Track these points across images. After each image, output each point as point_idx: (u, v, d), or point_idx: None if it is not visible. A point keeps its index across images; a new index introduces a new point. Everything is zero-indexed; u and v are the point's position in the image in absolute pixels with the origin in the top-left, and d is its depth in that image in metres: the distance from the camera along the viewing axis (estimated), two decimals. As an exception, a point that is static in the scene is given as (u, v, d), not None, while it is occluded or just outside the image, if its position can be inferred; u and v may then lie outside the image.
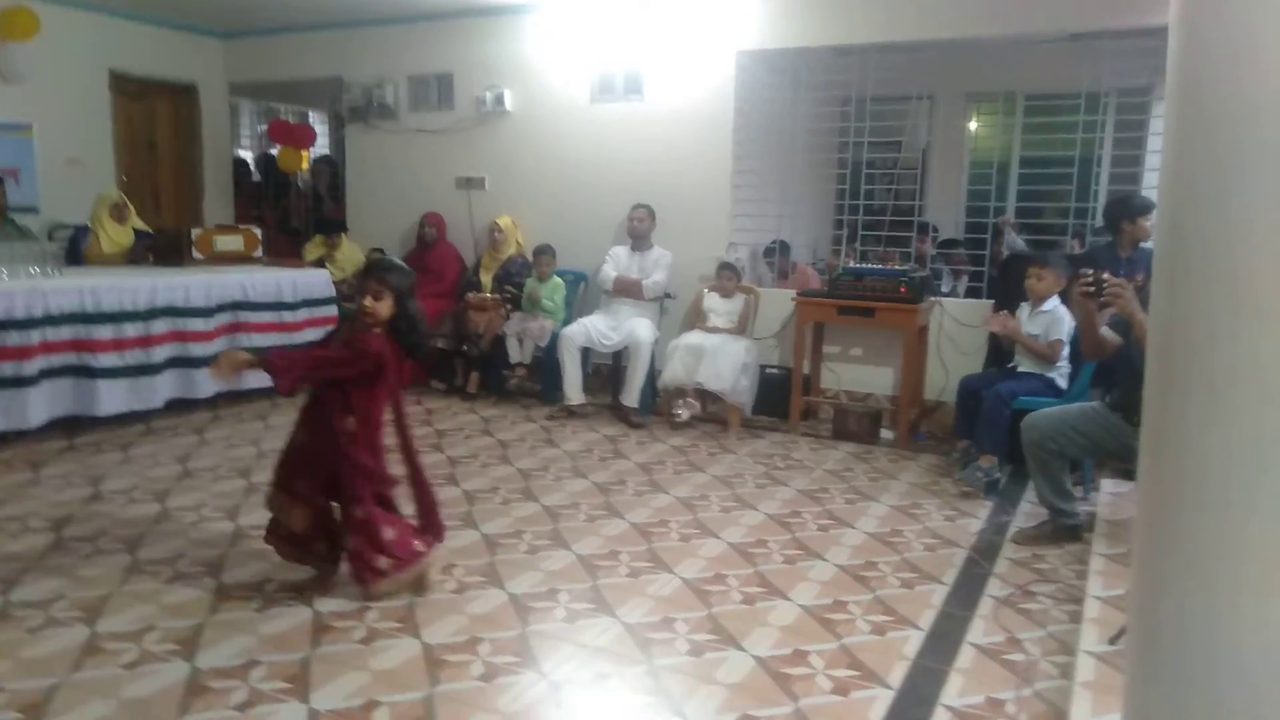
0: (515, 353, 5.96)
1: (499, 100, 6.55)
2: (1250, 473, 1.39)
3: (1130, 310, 3.09)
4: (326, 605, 2.88)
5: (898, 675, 2.56)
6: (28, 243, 5.22)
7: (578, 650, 2.65)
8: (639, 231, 5.87)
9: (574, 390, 5.62)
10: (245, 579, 3.08)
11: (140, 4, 6.78)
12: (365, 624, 2.77)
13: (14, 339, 4.40)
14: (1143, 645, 1.57)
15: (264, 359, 2.78)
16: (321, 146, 8.76)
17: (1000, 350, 4.84)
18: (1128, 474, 4.10)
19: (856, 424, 5.32)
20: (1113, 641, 2.46)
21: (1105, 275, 3.15)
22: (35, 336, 4.48)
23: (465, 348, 6.12)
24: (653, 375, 5.63)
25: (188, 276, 5.30)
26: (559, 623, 2.83)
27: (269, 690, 2.38)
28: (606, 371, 6.12)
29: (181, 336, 5.15)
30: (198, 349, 5.22)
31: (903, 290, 5.14)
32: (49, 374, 4.57)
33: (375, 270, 2.92)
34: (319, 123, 9.13)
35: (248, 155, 9.10)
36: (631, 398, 5.52)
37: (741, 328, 5.61)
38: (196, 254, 5.85)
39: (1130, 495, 3.77)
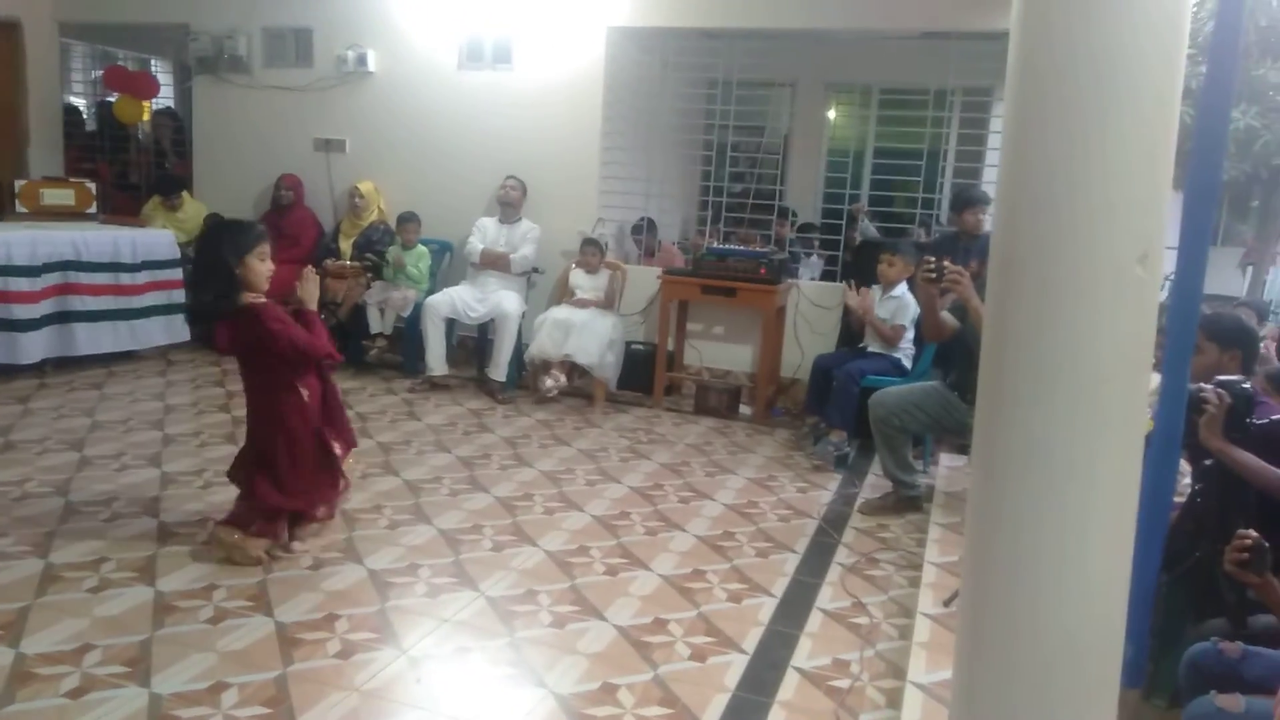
0: (376, 323, 5.79)
1: (361, 60, 6.29)
2: (1069, 448, 1.53)
3: (967, 295, 3.32)
4: (170, 584, 2.74)
5: (752, 640, 2.67)
6: None
7: (439, 625, 2.64)
8: (510, 199, 5.79)
9: (437, 362, 5.52)
10: (78, 559, 2.89)
11: (-48, -73, 6.12)
12: (213, 603, 2.65)
13: None
14: (973, 608, 1.71)
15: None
16: (165, 98, 8.16)
17: (851, 331, 5.08)
18: (963, 449, 4.40)
19: (717, 400, 5.47)
20: (947, 604, 2.66)
21: (945, 262, 3.36)
22: None
23: (323, 316, 5.88)
24: (519, 349, 5.60)
25: (10, 232, 4.87)
26: (420, 598, 2.80)
27: (103, 675, 2.26)
28: (472, 344, 6.04)
29: (2, 297, 4.73)
30: (21, 311, 4.81)
31: (763, 271, 5.31)
32: None
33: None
34: (163, 72, 8.50)
35: (80, 103, 8.39)
36: (499, 371, 5.47)
37: (608, 303, 5.65)
38: (20, 207, 5.38)
39: (965, 469, 4.06)
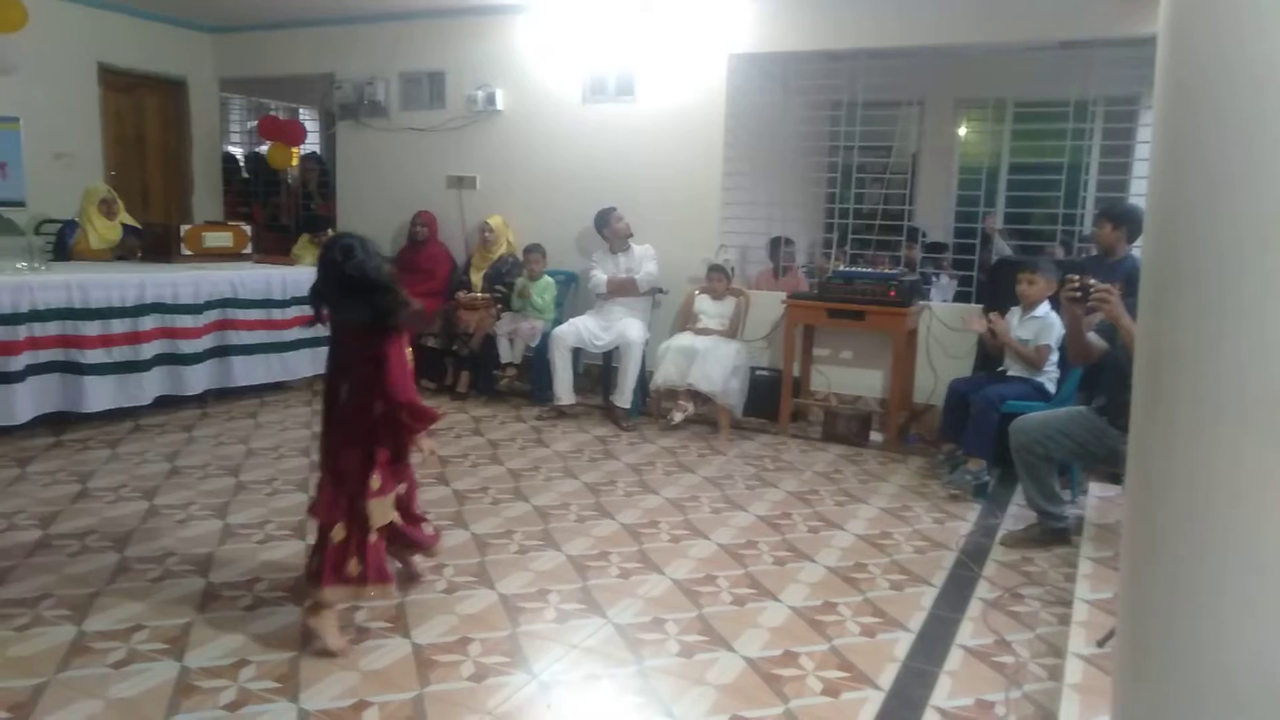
0: (506, 352, 5.95)
1: (490, 99, 6.54)
2: (1236, 477, 1.41)
3: (1117, 315, 3.12)
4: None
5: (888, 677, 2.57)
6: (14, 237, 5.19)
7: (568, 651, 2.65)
8: (624, 232, 5.85)
9: (564, 390, 5.62)
10: (234, 578, 3.07)
11: (130, -2, 6.75)
12: (355, 623, 2.76)
13: (1, 334, 4.37)
14: (1131, 648, 1.59)
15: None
16: (312, 143, 8.72)
17: (988, 354, 4.87)
18: (1115, 478, 4.13)
19: (846, 426, 5.34)
20: (1101, 644, 2.49)
21: (1091, 281, 3.18)
22: (22, 332, 4.45)
23: (455, 347, 6.11)
24: (643, 376, 5.64)
25: (176, 273, 5.27)
26: (549, 623, 2.83)
27: (258, 690, 2.37)
28: (597, 372, 6.13)
29: (170, 333, 5.12)
30: (186, 346, 5.19)
31: (892, 294, 5.17)
32: (36, 370, 4.54)
33: None
34: (309, 119, 9.09)
35: (237, 151, 9.06)
36: (623, 398, 5.53)
37: (732, 330, 5.63)
38: (185, 250, 5.82)
39: (1118, 499, 3.81)
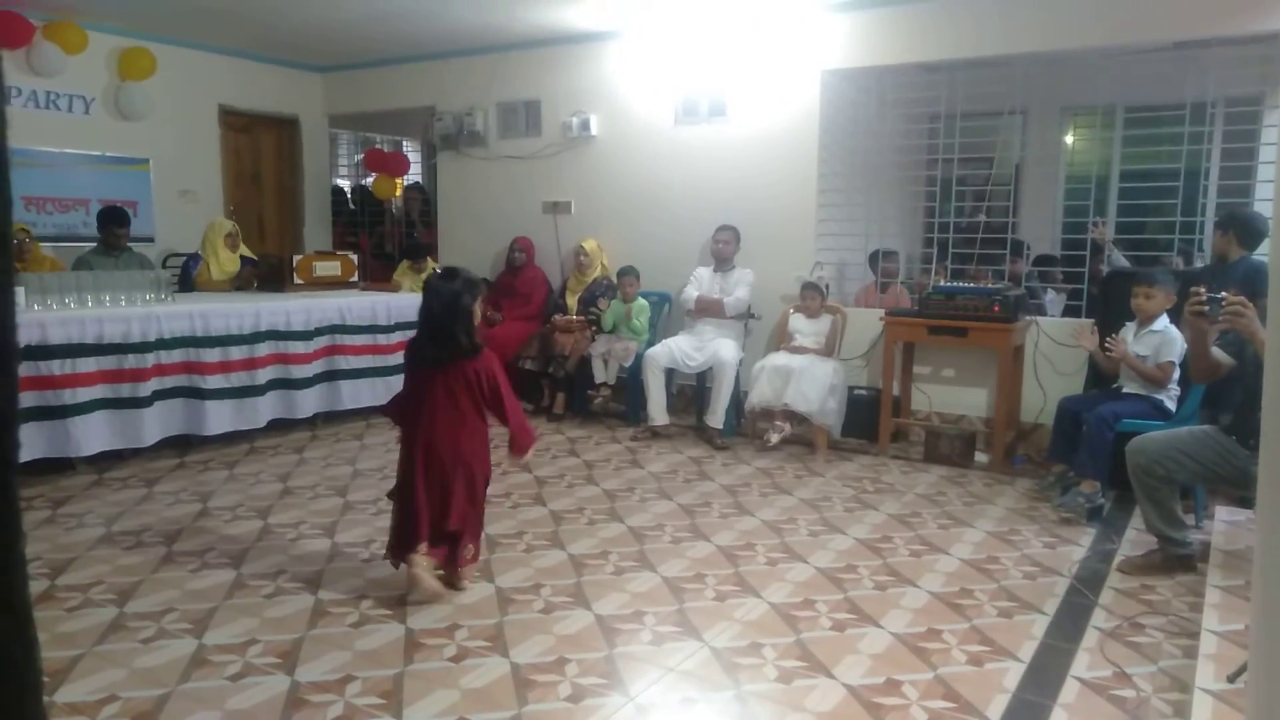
0: (600, 373, 6.01)
1: (585, 125, 6.65)
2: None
3: (1253, 330, 2.92)
4: (419, 622, 2.94)
5: (997, 709, 2.46)
6: (145, 271, 5.53)
7: (664, 674, 2.64)
8: (723, 254, 5.88)
9: (658, 411, 5.63)
10: (341, 595, 3.17)
11: (247, 42, 7.15)
12: (456, 642, 2.81)
13: (131, 361, 4.65)
14: (1266, 684, 1.48)
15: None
16: (414, 174, 9.04)
17: (1100, 371, 4.65)
18: (1244, 501, 3.87)
19: (949, 447, 5.17)
20: (1232, 679, 2.32)
21: (1223, 294, 2.99)
22: (150, 359, 4.73)
23: (551, 369, 6.20)
24: (737, 396, 5.60)
25: (289, 301, 5.52)
26: (645, 645, 2.82)
27: (364, 705, 2.44)
28: (691, 392, 6.12)
29: (283, 359, 5.37)
30: (298, 371, 5.43)
31: (996, 309, 4.99)
32: (162, 395, 4.82)
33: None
34: (412, 151, 9.43)
35: (345, 184, 9.46)
36: (716, 419, 5.50)
37: (828, 348, 5.54)
38: (297, 279, 6.10)
39: (1248, 523, 3.57)
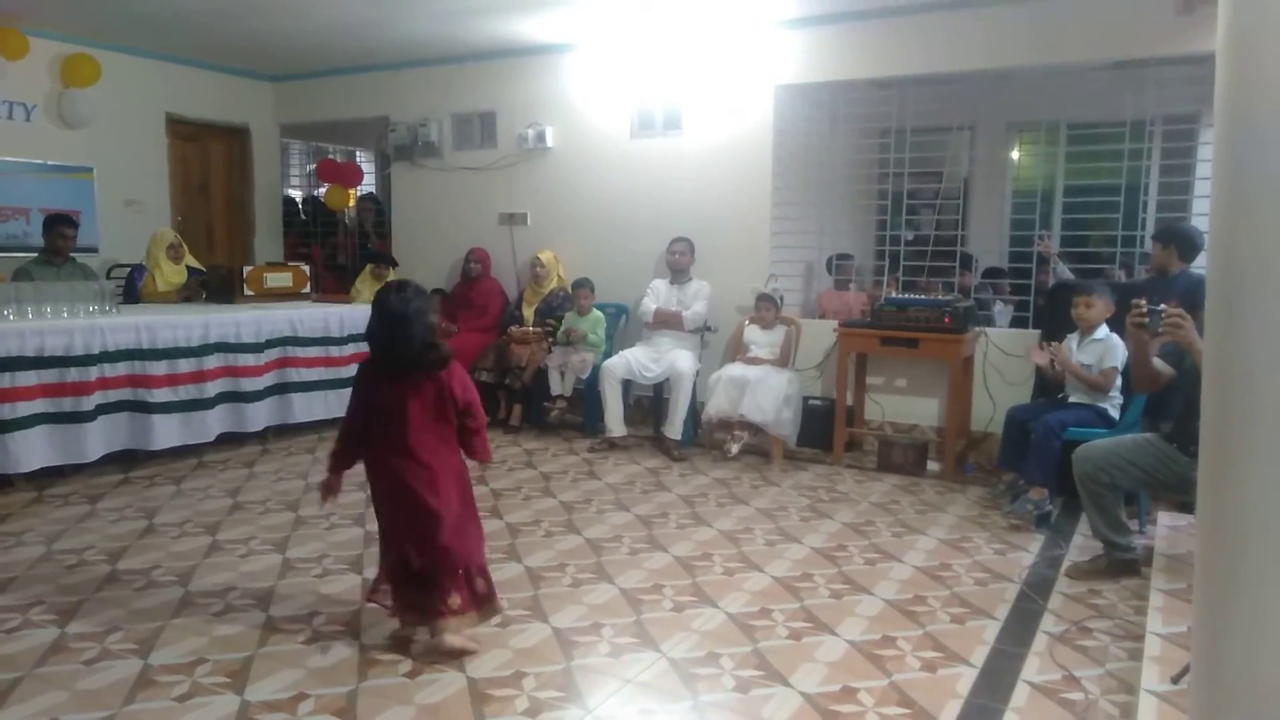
0: (557, 385, 5.99)
1: (540, 137, 6.65)
2: (1317, 505, 1.35)
3: (1191, 340, 3.01)
4: (372, 638, 2.90)
5: (950, 713, 2.49)
6: (88, 282, 5.39)
7: (622, 685, 2.63)
8: (679, 265, 5.91)
9: (615, 422, 5.63)
10: (293, 612, 3.11)
11: (195, 50, 7.02)
12: (410, 658, 2.77)
13: (74, 375, 4.53)
14: (1208, 685, 1.52)
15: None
16: (368, 185, 8.94)
17: (1047, 381, 4.76)
18: (1185, 506, 3.99)
19: (902, 456, 5.25)
20: (1175, 680, 2.39)
21: (1162, 305, 3.09)
22: (94, 373, 4.61)
23: (508, 380, 6.17)
24: (694, 407, 5.62)
25: (239, 313, 5.42)
26: (603, 657, 2.81)
27: (316, 723, 2.39)
28: (648, 403, 6.13)
29: (233, 371, 5.26)
30: (248, 384, 5.33)
31: (947, 320, 5.09)
32: (106, 409, 4.69)
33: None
34: (365, 162, 9.33)
35: (296, 194, 9.32)
36: (674, 429, 5.51)
37: (783, 359, 5.59)
38: (247, 291, 5.99)
39: (1189, 528, 3.68)
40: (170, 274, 6.12)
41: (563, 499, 4.56)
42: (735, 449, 5.35)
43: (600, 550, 3.79)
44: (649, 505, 4.48)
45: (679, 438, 5.52)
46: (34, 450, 4.39)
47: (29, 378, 4.36)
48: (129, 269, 6.33)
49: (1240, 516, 1.43)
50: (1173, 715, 2.26)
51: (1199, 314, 2.85)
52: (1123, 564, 3.52)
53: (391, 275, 6.95)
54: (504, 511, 4.32)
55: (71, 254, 5.88)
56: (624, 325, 6.41)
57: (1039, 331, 5.20)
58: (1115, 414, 4.32)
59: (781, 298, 5.79)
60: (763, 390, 5.29)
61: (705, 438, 5.64)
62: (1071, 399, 4.43)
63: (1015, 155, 7.55)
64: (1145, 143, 5.33)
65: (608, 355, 5.92)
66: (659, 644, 2.90)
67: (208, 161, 7.84)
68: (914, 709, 2.51)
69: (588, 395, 5.91)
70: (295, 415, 5.63)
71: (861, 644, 2.92)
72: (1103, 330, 4.36)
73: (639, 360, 5.71)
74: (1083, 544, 3.93)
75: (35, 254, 5.84)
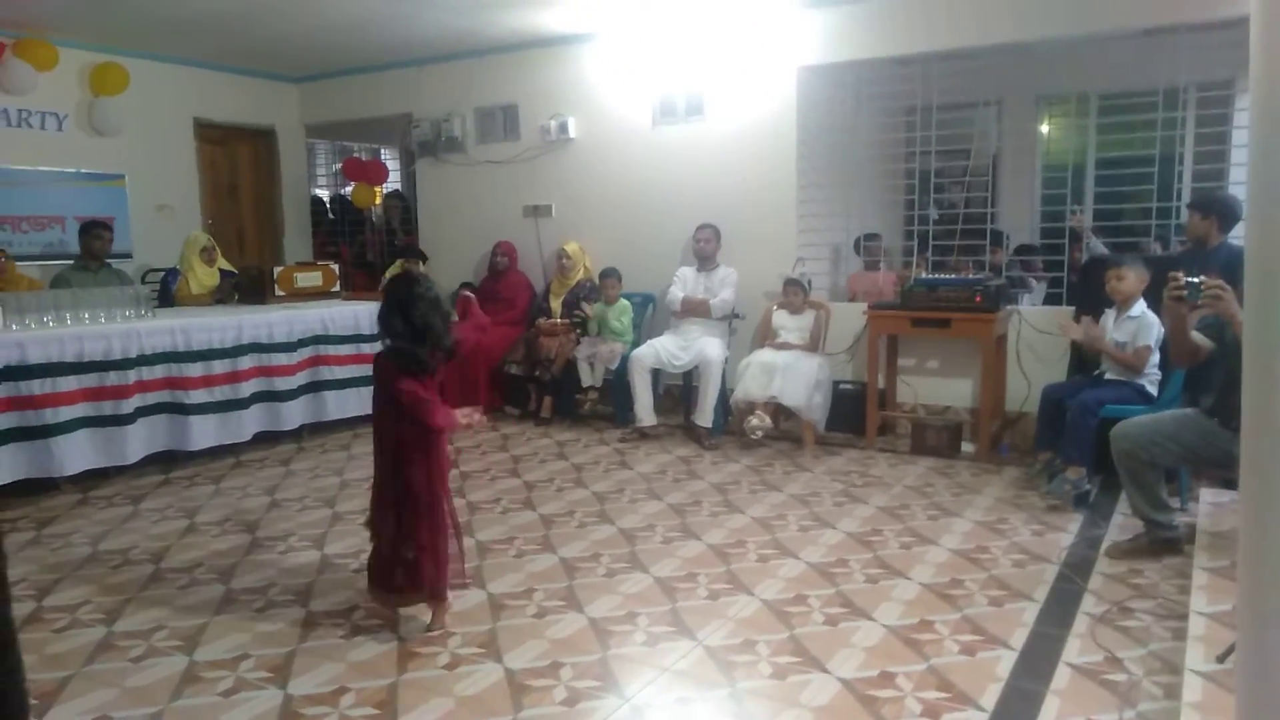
0: (587, 376, 6.00)
1: (563, 128, 6.65)
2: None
3: (1232, 312, 2.94)
4: (412, 631, 2.93)
5: (990, 697, 2.47)
6: (124, 287, 5.49)
7: (659, 674, 2.64)
8: (705, 252, 5.88)
9: (645, 412, 5.63)
10: (332, 607, 3.15)
11: (220, 54, 7.09)
12: (449, 650, 2.80)
13: (113, 378, 4.61)
14: (1255, 663, 1.49)
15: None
16: (393, 182, 8.99)
17: (1083, 358, 4.69)
18: (1228, 483, 3.91)
19: (936, 438, 5.20)
20: (1221, 659, 2.34)
21: (1201, 277, 3.01)
22: (132, 376, 4.69)
23: (538, 373, 6.19)
24: (724, 394, 5.61)
25: (271, 313, 5.49)
26: (639, 646, 2.82)
27: (358, 716, 2.43)
28: (677, 392, 6.12)
29: (267, 371, 5.33)
30: (282, 383, 5.39)
31: (978, 299, 5.02)
32: (145, 411, 4.78)
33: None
34: (390, 159, 9.39)
35: (323, 194, 9.41)
36: (705, 417, 5.51)
37: (813, 344, 5.55)
38: (279, 291, 6.06)
39: (1232, 505, 3.60)
40: (204, 276, 6.21)
41: (595, 489, 4.57)
42: (756, 426, 5.27)
43: (634, 540, 3.80)
44: (681, 494, 4.48)
45: (710, 425, 5.51)
46: (77, 453, 4.48)
47: (70, 382, 4.45)
48: (163, 273, 6.43)
49: (1285, 492, 1.40)
50: (1218, 695, 2.22)
51: (1239, 286, 2.79)
52: (1164, 542, 3.46)
53: (421, 267, 7.01)
54: (537, 503, 4.34)
55: (107, 259, 5.99)
56: (651, 314, 6.40)
57: (1073, 308, 5.11)
58: (1154, 390, 4.25)
59: (810, 282, 5.75)
60: (793, 375, 5.26)
61: (736, 425, 5.62)
62: (1108, 376, 4.36)
63: (1044, 129, 7.42)
64: (1179, 111, 5.21)
65: (636, 345, 5.92)
66: (695, 632, 2.90)
67: (235, 164, 7.93)
68: (953, 693, 2.50)
69: (617, 385, 5.91)
70: (329, 413, 5.70)
71: (899, 629, 2.91)
72: (1139, 307, 4.28)
73: (667, 349, 5.71)
74: (1123, 523, 3.87)
75: (72, 261, 5.95)
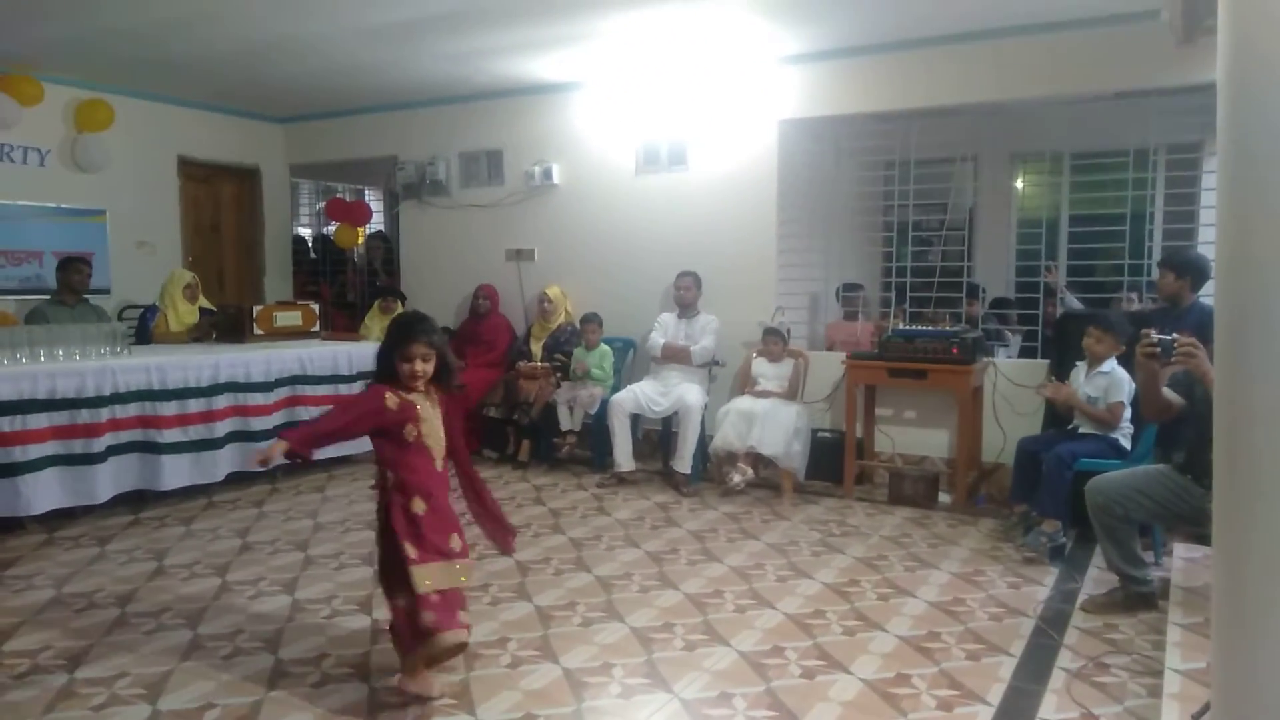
0: (566, 420, 5.98)
1: (547, 174, 6.71)
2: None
3: (1204, 370, 2.99)
4: (381, 681, 2.87)
5: (967, 754, 2.45)
6: (100, 323, 5.44)
7: (634, 727, 2.60)
8: (685, 300, 5.92)
9: (624, 457, 5.62)
10: (302, 654, 3.09)
11: (207, 94, 7.13)
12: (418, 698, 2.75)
13: (85, 416, 4.54)
14: (1229, 725, 1.49)
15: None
16: (376, 223, 9.02)
17: (1057, 411, 4.74)
18: (1201, 538, 3.94)
19: (913, 488, 5.22)
20: (1196, 718, 2.34)
21: (1174, 335, 3.06)
22: (104, 414, 4.63)
23: (516, 416, 6.17)
24: (703, 440, 5.61)
25: (249, 353, 5.45)
26: (614, 699, 2.78)
27: (325, 769, 2.37)
28: (656, 437, 6.11)
29: (242, 411, 5.28)
30: (258, 423, 5.33)
31: (955, 351, 5.08)
32: (116, 450, 4.70)
33: (425, 333, 2.77)
34: (374, 200, 9.42)
35: (306, 233, 9.41)
36: (683, 463, 5.49)
37: (792, 392, 5.58)
38: (257, 330, 6.02)
39: (1205, 560, 3.63)
40: (185, 314, 6.17)
41: (572, 535, 4.53)
42: (738, 478, 5.29)
43: (610, 588, 3.76)
44: (659, 541, 4.45)
45: (688, 472, 5.50)
46: (45, 492, 4.39)
47: (40, 420, 4.38)
48: (141, 310, 6.38)
49: (1257, 548, 1.42)
50: (1195, 754, 2.21)
51: (1210, 345, 2.84)
52: (1139, 597, 3.48)
53: (400, 308, 7.00)
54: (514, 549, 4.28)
55: (85, 295, 5.94)
56: (632, 359, 6.42)
57: (1048, 361, 5.18)
58: (1127, 444, 4.29)
59: (789, 330, 5.79)
60: (771, 423, 5.28)
61: (714, 472, 5.61)
62: (1082, 429, 4.41)
63: (1020, 185, 7.58)
64: (1149, 171, 5.35)
65: (616, 389, 5.92)
66: (671, 684, 2.87)
67: (218, 202, 7.93)
68: (930, 749, 2.48)
69: (596, 430, 5.90)
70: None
71: (876, 682, 2.89)
72: (1110, 364, 4.34)
73: (647, 394, 5.71)
74: (1098, 577, 3.89)
75: (48, 295, 5.90)
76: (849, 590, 3.75)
